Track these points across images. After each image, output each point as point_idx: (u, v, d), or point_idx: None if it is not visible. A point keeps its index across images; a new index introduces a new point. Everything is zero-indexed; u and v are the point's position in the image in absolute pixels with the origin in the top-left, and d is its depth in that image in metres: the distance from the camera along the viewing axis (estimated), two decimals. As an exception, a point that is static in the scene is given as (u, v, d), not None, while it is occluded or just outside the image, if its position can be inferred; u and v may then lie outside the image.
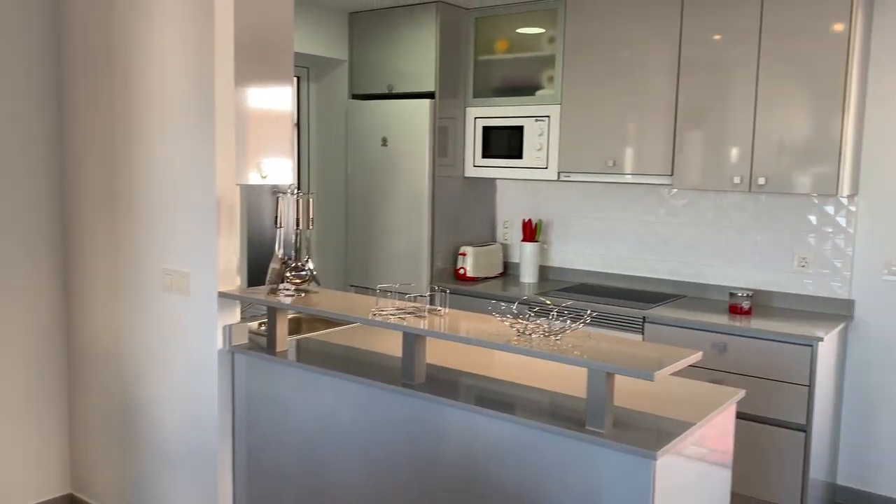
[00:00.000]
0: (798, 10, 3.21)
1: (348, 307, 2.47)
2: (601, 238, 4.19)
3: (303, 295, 2.62)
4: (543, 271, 4.36)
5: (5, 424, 3.05)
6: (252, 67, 2.72)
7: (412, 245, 4.19)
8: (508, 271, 4.51)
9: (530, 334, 2.09)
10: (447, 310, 2.39)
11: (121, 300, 2.98)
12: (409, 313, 2.33)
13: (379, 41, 4.30)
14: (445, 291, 2.41)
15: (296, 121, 4.56)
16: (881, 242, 3.40)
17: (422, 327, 2.19)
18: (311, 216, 2.64)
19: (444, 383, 2.29)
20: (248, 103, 2.72)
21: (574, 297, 3.73)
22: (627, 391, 2.19)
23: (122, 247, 2.95)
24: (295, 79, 4.51)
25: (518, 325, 2.15)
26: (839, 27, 3.13)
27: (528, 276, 4.25)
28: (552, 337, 2.07)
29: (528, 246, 4.25)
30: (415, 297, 2.42)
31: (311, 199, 2.65)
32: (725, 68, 3.41)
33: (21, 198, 3.03)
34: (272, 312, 2.63)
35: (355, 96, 4.44)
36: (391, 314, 2.31)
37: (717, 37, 3.43)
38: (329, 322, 3.09)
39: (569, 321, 2.14)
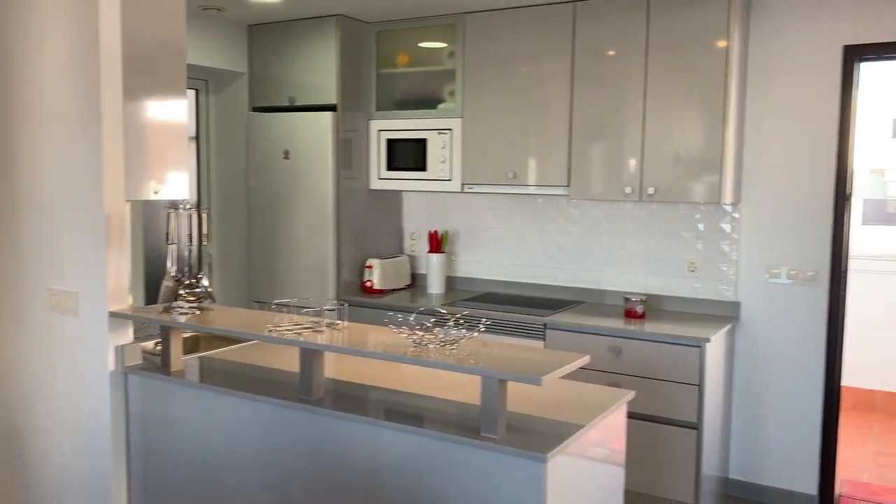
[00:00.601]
0: (680, 26, 3.39)
1: (244, 324, 2.43)
2: (505, 248, 4.28)
3: (197, 312, 2.57)
4: (450, 281, 4.42)
5: None
6: (142, 79, 2.65)
7: (318, 259, 4.16)
8: (416, 282, 4.54)
9: (427, 345, 2.12)
10: (346, 323, 2.39)
11: (4, 322, 2.84)
12: (306, 328, 2.31)
13: (279, 54, 4.26)
14: (344, 305, 2.41)
15: (195, 134, 4.46)
16: (763, 247, 3.61)
17: (318, 342, 2.18)
18: (204, 231, 2.59)
19: (343, 397, 2.28)
20: (138, 116, 2.64)
21: (479, 306, 3.80)
22: (524, 397, 2.24)
23: (5, 266, 2.81)
24: (193, 91, 4.42)
25: (415, 337, 2.17)
26: (719, 43, 3.31)
27: (436, 286, 4.29)
28: (448, 346, 2.10)
29: (435, 257, 4.29)
30: (313, 311, 2.41)
31: (203, 214, 2.60)
32: (617, 82, 3.56)
33: None
34: (165, 331, 2.56)
35: (256, 109, 4.38)
36: (288, 329, 2.29)
37: (610, 52, 3.57)
38: (228, 340, 3.03)
39: (465, 330, 2.18)
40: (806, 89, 3.47)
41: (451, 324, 2.21)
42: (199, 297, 2.59)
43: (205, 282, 2.63)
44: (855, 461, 4.28)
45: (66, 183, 2.61)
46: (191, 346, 3.09)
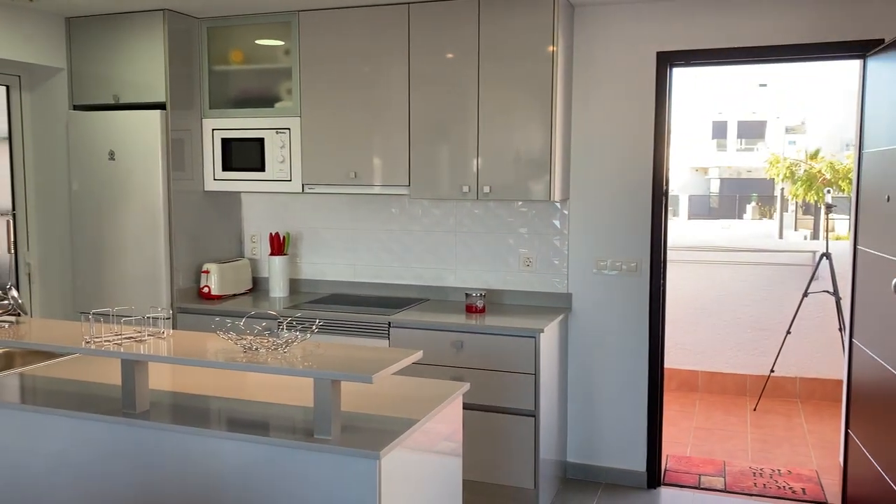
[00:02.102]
0: (508, 31, 3.52)
1: (59, 336, 2.27)
2: (349, 248, 4.26)
3: (6, 326, 2.36)
4: (294, 284, 4.34)
5: None
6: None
7: (149, 265, 3.95)
8: (258, 287, 4.42)
9: (257, 349, 2.07)
10: (172, 332, 2.29)
11: None
12: (128, 338, 2.19)
13: (102, 49, 4.00)
14: (173, 312, 2.30)
15: (6, 135, 4.10)
16: (590, 241, 3.83)
17: (140, 352, 2.07)
18: (11, 239, 2.39)
19: (173, 408, 2.18)
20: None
21: (324, 308, 3.76)
22: (360, 396, 2.24)
23: None
24: (2, 88, 4.06)
25: (244, 342, 2.11)
26: (547, 48, 3.47)
27: (279, 290, 4.19)
28: (279, 350, 2.06)
29: (277, 259, 4.20)
30: (136, 320, 2.28)
31: (8, 221, 2.39)
32: (454, 84, 3.64)
33: None
34: (-33, 349, 2.33)
35: (77, 107, 4.09)
36: (107, 341, 2.16)
37: (449, 55, 3.64)
38: (47, 355, 2.81)
39: (297, 333, 2.15)
40: (625, 92, 3.72)
41: (283, 327, 2.18)
42: (7, 310, 2.38)
43: (14, 293, 2.43)
44: (679, 437, 4.64)
45: None
46: (4, 362, 2.83)
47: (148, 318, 2.28)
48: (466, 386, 2.42)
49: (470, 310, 3.71)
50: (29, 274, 4.18)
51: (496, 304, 3.92)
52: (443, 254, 4.08)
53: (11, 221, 2.27)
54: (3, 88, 4.06)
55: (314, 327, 2.14)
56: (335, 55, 3.83)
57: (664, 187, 3.74)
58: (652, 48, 3.66)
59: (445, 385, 2.42)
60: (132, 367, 2.12)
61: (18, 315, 2.44)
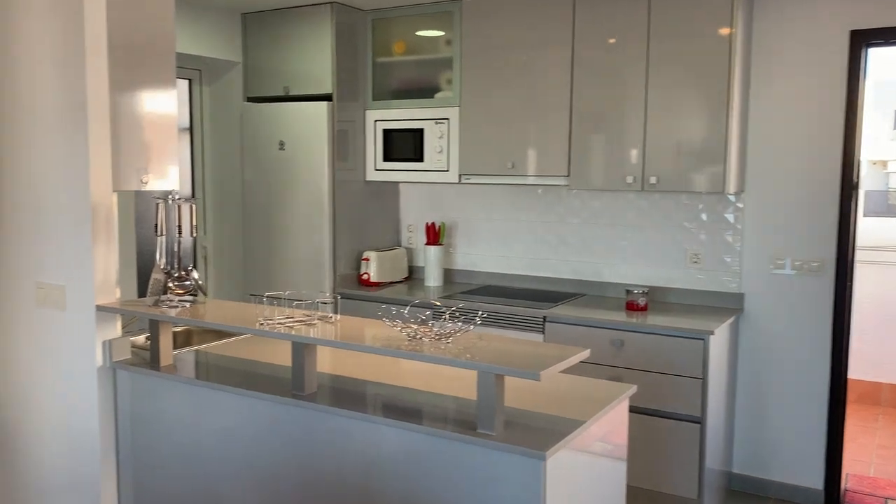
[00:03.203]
0: (683, 13, 3.31)
1: (234, 317, 2.36)
2: (504, 240, 4.21)
3: (187, 306, 2.50)
4: (448, 274, 4.35)
5: None
6: (130, 69, 2.58)
7: (313, 251, 4.09)
8: (414, 275, 4.47)
9: (421, 339, 2.05)
10: (339, 317, 2.32)
11: (-10, 318, 2.77)
12: (298, 321, 2.24)
13: (274, 42, 4.18)
14: (336, 297, 2.34)
15: (188, 125, 4.39)
16: (767, 237, 3.53)
17: (310, 335, 2.11)
18: (193, 223, 2.52)
19: (338, 392, 2.22)
20: (126, 107, 2.57)
21: (478, 299, 3.72)
22: (522, 391, 2.17)
23: (-10, 261, 2.74)
24: (185, 81, 4.34)
25: (409, 330, 2.10)
26: (722, 30, 3.23)
27: (433, 279, 4.22)
28: (443, 340, 2.03)
29: (432, 249, 4.22)
30: (306, 304, 2.34)
31: (192, 206, 2.53)
32: (618, 70, 3.48)
33: None
34: (154, 325, 2.49)
35: (250, 99, 4.30)
36: (279, 323, 2.22)
37: (611, 40, 3.49)
38: (220, 334, 2.97)
39: (461, 323, 2.11)
40: (812, 77, 3.39)
41: (446, 317, 2.15)
42: (189, 290, 2.52)
43: (195, 274, 2.56)
44: (860, 455, 4.22)
45: (53, 175, 2.54)
46: (182, 340, 3.02)
47: (316, 302, 2.33)
48: (633, 388, 2.28)
49: (631, 307, 3.54)
50: (205, 257, 4.47)
51: (659, 303, 3.71)
52: (601, 247, 3.92)
53: (192, 205, 2.38)
54: (186, 82, 4.34)
55: (477, 319, 2.09)
56: (496, 44, 3.78)
57: (854, 180, 3.38)
58: (845, 26, 3.31)
59: (610, 386, 2.30)
60: (302, 350, 2.17)
61: (196, 295, 2.57)
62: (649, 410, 3.27)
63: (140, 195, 3.80)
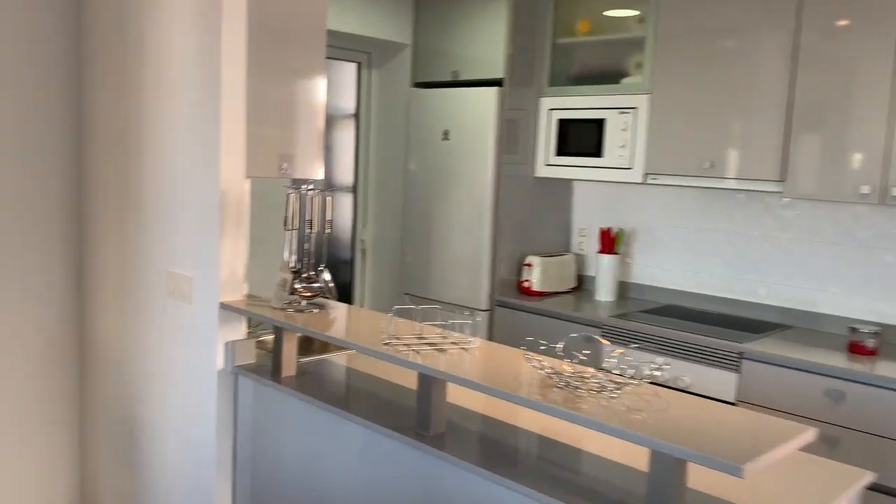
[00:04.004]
0: (958, -25, 2.53)
1: (360, 332, 2.01)
2: (693, 253, 3.58)
3: (315, 311, 2.19)
4: (623, 288, 3.79)
5: (12, 424, 2.78)
6: (273, 48, 2.31)
7: (472, 251, 3.71)
8: (582, 286, 3.96)
9: (576, 387, 1.57)
10: (480, 342, 1.90)
11: (128, 302, 2.65)
12: (430, 343, 1.85)
13: (445, 22, 3.84)
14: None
15: (354, 111, 4.16)
16: None
17: (438, 367, 1.71)
18: (327, 217, 2.21)
19: (467, 436, 1.80)
20: (266, 87, 2.31)
21: (658, 322, 3.15)
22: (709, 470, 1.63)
23: (130, 245, 2.62)
24: (354, 65, 4.11)
25: (562, 374, 1.63)
26: None
27: (605, 293, 3.68)
28: (605, 394, 1.54)
29: (606, 258, 3.68)
30: (444, 323, 1.94)
31: (328, 198, 2.21)
32: (853, 60, 2.76)
33: (39, 188, 2.74)
34: (278, 331, 2.21)
35: (417, 84, 3.99)
36: (406, 345, 1.84)
37: (842, 22, 2.77)
38: (357, 341, 2.65)
39: (630, 370, 1.61)
40: None
41: (612, 357, 1.65)
42: (317, 293, 2.21)
43: (326, 275, 2.25)
44: None
45: (186, 156, 2.34)
46: (305, 344, 2.74)
47: (464, 319, 1.92)
48: (868, 477, 1.66)
49: (855, 349, 2.81)
50: (363, 250, 4.23)
51: (893, 346, 2.94)
52: (818, 270, 3.20)
53: (330, 199, 2.06)
54: (355, 66, 4.12)
55: (659, 370, 1.57)
56: (700, 24, 3.16)
57: None
58: None
59: (835, 470, 1.69)
60: (429, 383, 1.77)
61: (319, 295, 2.27)
62: (883, 488, 2.55)
63: (281, 184, 3.61)
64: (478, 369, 1.70)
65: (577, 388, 1.55)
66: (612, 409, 1.45)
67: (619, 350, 1.78)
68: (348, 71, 4.10)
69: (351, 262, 4.21)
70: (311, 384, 2.17)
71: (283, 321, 2.11)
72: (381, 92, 4.17)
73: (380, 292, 4.19)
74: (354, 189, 4.19)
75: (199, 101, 2.26)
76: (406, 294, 4.03)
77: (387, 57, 4.11)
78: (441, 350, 1.81)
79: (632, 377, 1.59)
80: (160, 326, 2.51)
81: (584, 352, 1.71)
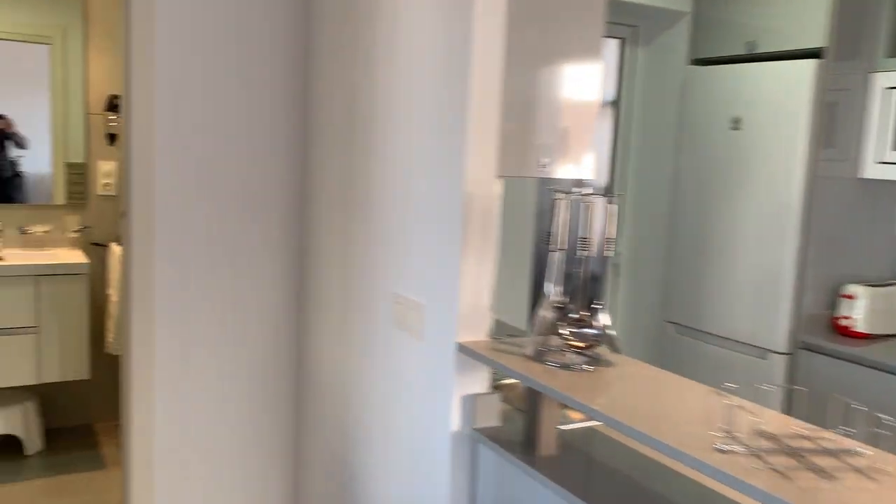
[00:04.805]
0: None
1: (665, 418, 1.32)
2: None
3: (590, 369, 1.54)
4: None
5: (231, 456, 2.47)
6: (534, 25, 1.69)
7: (766, 275, 2.85)
8: (922, 327, 2.93)
9: None
10: (879, 455, 1.13)
11: (348, 323, 2.20)
12: (790, 454, 1.12)
13: (739, -18, 3.01)
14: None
15: (614, 97, 3.46)
16: None
17: (832, 512, 0.97)
18: (609, 234, 1.55)
19: None
20: (523, 69, 1.69)
21: None
22: None
23: (354, 258, 2.15)
24: (615, 41, 3.41)
25: None
26: None
27: (962, 340, 2.66)
28: None
29: (966, 292, 2.66)
30: (849, 431, 1.20)
31: (612, 206, 1.55)
32: None
33: (267, 191, 2.42)
34: (532, 394, 1.59)
35: (697, 61, 3.19)
36: (755, 453, 1.12)
37: None
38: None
39: None
40: None
41: None
42: (593, 343, 1.56)
43: (604, 318, 1.59)
44: None
45: (424, 154, 1.81)
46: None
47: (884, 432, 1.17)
48: None
49: None
50: (616, 265, 3.52)
51: None
52: None
53: (615, 207, 1.39)
54: (617, 42, 3.41)
55: None
56: None
57: None
58: None
59: None
60: (804, 534, 1.04)
61: (595, 347, 1.61)
62: None
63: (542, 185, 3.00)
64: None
65: None
66: None
67: None
68: (609, 49, 3.41)
69: (599, 280, 3.51)
70: (580, 473, 1.53)
71: (549, 386, 1.48)
72: (649, 72, 3.42)
73: (635, 319, 3.45)
74: (609, 192, 3.48)
75: (443, 93, 1.71)
76: (669, 322, 3.26)
77: (658, 29, 3.36)
78: (826, 475, 1.07)
79: None
80: (384, 360, 2.01)
81: None
